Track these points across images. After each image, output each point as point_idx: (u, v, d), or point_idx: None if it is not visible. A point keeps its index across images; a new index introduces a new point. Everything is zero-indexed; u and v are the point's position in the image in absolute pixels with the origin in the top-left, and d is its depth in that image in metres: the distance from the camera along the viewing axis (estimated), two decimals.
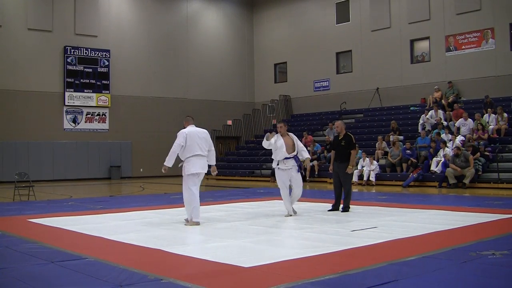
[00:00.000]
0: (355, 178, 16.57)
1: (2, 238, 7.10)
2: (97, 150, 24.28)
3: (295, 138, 9.25)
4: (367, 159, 17.76)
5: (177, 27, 27.09)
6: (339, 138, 9.80)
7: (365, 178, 17.51)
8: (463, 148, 15.82)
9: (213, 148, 8.44)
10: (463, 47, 21.16)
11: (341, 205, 9.68)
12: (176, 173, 9.42)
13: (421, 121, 19.60)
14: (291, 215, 9.05)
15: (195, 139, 8.16)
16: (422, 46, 22.88)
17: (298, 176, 9.15)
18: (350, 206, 9.72)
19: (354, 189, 13.79)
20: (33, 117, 22.80)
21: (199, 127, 8.55)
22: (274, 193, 14.52)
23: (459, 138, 16.86)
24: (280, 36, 28.25)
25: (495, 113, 17.95)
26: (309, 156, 9.45)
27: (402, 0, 23.04)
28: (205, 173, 8.43)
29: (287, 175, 9.10)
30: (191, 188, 8.10)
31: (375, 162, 17.74)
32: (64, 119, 23.68)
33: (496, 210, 9.59)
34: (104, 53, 24.50)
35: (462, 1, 21.06)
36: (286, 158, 9.04)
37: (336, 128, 10.03)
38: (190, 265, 5.44)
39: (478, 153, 15.79)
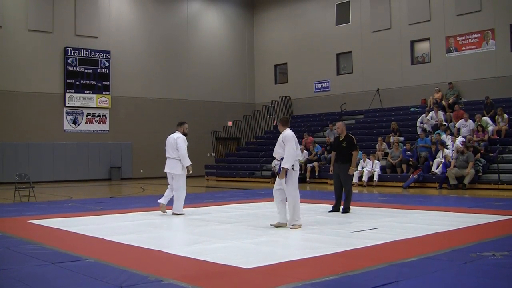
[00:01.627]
0: (355, 179, 16.55)
1: (3, 239, 7.10)
2: (98, 151, 24.27)
3: (283, 138, 7.71)
4: (367, 159, 17.75)
5: (178, 28, 27.11)
6: (340, 139, 9.80)
7: (364, 179, 17.50)
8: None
9: (181, 151, 9.59)
10: (464, 48, 21.16)
11: (342, 206, 9.68)
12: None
13: (419, 124, 19.58)
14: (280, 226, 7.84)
15: (167, 144, 9.85)
16: (422, 47, 22.87)
17: (281, 181, 7.69)
18: (351, 207, 9.72)
19: (354, 190, 13.78)
20: (33, 118, 22.80)
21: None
22: None
23: (459, 139, 16.85)
24: (280, 37, 28.26)
25: (495, 114, 17.93)
26: (281, 165, 7.59)
27: (403, 1, 23.04)
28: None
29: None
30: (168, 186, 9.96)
31: (377, 161, 17.73)
32: (65, 120, 23.68)
33: (497, 211, 9.59)
34: (104, 54, 24.51)
35: (462, 2, 21.07)
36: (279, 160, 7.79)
37: (336, 129, 10.03)
38: (190, 266, 5.44)
39: (479, 154, 15.79)
